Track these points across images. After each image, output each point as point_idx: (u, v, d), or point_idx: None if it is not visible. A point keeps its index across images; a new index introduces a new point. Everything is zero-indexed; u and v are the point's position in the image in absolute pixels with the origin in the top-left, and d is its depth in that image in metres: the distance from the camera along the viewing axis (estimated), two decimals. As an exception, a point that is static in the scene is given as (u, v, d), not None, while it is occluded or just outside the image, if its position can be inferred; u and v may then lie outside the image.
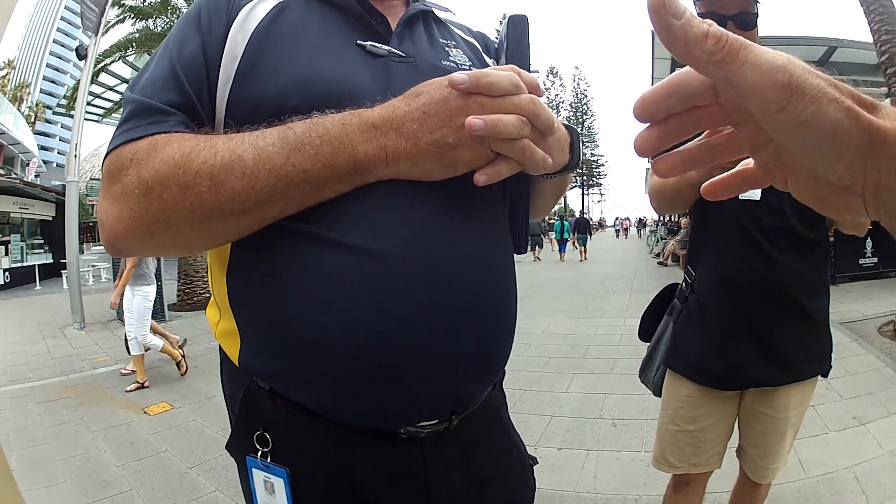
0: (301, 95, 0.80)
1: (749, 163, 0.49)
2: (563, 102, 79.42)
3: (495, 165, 0.79)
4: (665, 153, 0.47)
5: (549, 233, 30.63)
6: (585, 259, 23.15)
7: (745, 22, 1.71)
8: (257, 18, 0.87)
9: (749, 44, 0.37)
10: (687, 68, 0.41)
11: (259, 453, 0.87)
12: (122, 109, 0.86)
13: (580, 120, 78.51)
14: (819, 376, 1.84)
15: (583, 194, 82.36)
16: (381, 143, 0.76)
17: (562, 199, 1.27)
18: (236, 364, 0.89)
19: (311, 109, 0.78)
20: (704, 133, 0.47)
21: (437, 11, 1.08)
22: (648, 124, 0.45)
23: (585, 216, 35.25)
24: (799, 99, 0.36)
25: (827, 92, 0.37)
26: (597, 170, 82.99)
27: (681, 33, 0.37)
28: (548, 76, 79.23)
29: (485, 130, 0.73)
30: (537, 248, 24.78)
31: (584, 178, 79.94)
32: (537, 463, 1.14)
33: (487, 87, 0.75)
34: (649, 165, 1.90)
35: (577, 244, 25.12)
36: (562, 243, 25.32)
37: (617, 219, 68.63)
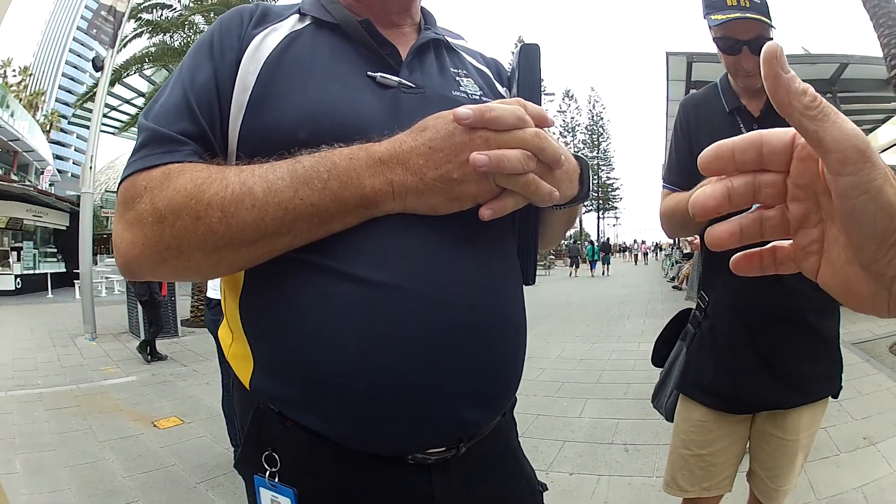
0: (310, 129, 0.82)
1: (784, 244, 0.50)
2: (578, 125, 79.45)
3: (500, 200, 0.80)
4: (718, 223, 0.49)
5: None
6: (608, 274, 29.77)
7: (760, 47, 1.72)
8: (268, 49, 0.89)
9: (836, 110, 0.41)
10: (767, 130, 0.45)
11: (267, 473, 0.88)
12: (136, 135, 0.87)
13: (595, 142, 78.42)
14: (830, 397, 1.83)
15: (598, 218, 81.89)
16: (387, 177, 0.77)
17: (577, 222, 1.27)
18: (247, 387, 0.90)
19: (321, 142, 0.79)
20: (756, 208, 0.49)
21: (448, 38, 1.08)
22: (710, 184, 0.47)
23: (608, 240, 44.05)
24: (872, 168, 0.39)
25: (889, 173, 0.41)
26: (612, 193, 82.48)
27: (785, 84, 0.41)
28: (563, 99, 79.41)
29: (489, 166, 0.74)
30: (575, 266, 32.91)
31: (600, 201, 79.58)
32: (547, 489, 1.14)
33: (492, 121, 0.76)
34: (663, 186, 1.90)
35: (602, 262, 32.11)
36: (592, 262, 32.16)
37: (634, 242, 65.91)
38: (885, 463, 3.66)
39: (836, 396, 1.83)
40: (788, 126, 0.43)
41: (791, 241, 0.49)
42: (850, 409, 4.60)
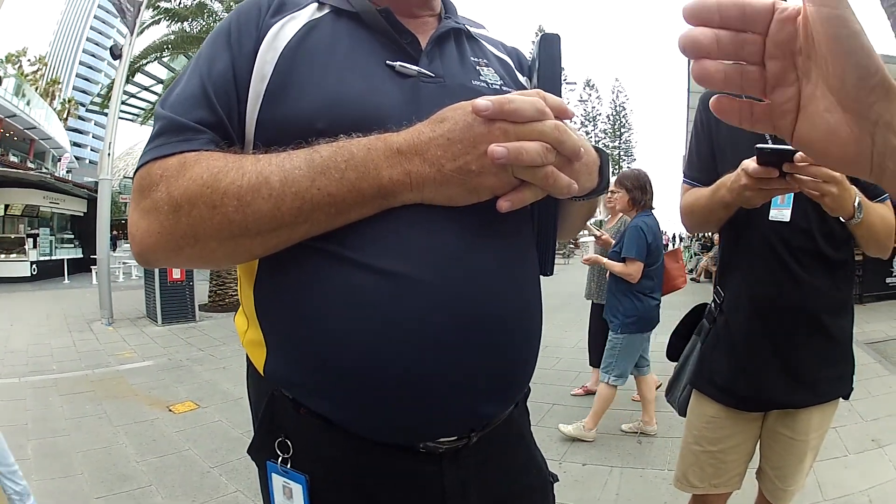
0: (328, 119, 0.81)
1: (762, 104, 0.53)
2: (599, 115, 78.28)
3: (519, 192, 0.79)
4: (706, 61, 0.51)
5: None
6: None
7: None
8: (286, 38, 0.89)
9: None
10: None
11: (279, 459, 0.89)
12: (153, 124, 0.87)
13: (617, 133, 77.42)
14: (840, 398, 1.83)
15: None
16: (405, 168, 0.76)
17: (597, 212, 1.27)
18: (261, 373, 0.91)
19: (339, 132, 0.79)
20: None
21: (469, 27, 1.07)
22: (700, 26, 0.50)
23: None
24: (849, 13, 0.44)
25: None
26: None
27: None
28: (584, 88, 78.44)
29: (507, 158, 0.73)
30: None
31: (621, 191, 78.34)
32: (557, 480, 1.14)
33: (511, 113, 0.75)
34: (683, 181, 1.89)
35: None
36: (615, 251, 34.99)
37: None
38: (892, 468, 3.64)
39: (847, 398, 1.82)
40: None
41: (768, 102, 0.52)
42: (860, 409, 4.58)
